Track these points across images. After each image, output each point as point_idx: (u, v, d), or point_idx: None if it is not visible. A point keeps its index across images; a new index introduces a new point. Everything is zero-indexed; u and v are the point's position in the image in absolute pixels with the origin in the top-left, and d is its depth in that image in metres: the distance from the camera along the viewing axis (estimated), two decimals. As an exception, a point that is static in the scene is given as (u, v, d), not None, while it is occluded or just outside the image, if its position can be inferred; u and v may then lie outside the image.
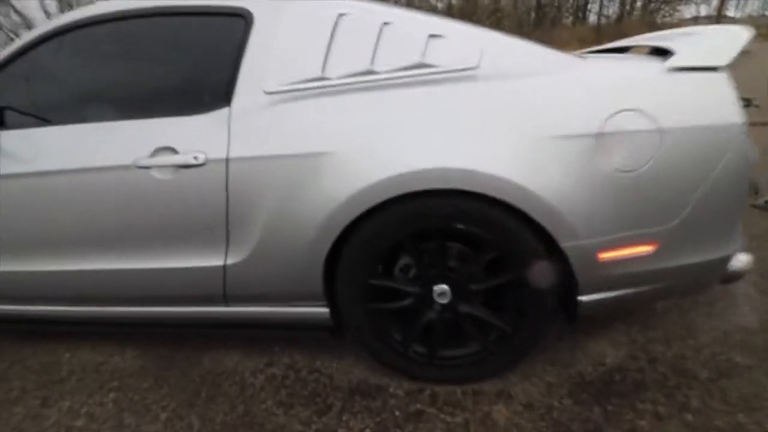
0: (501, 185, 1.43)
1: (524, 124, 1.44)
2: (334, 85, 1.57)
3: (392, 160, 1.48)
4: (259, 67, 1.63)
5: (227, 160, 1.58)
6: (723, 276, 1.66)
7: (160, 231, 1.70)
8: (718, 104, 1.42)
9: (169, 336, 2.09)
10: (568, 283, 1.60)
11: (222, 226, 1.64)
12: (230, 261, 1.69)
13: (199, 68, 1.74)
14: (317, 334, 1.84)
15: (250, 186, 1.58)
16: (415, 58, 1.54)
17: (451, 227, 1.51)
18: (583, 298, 1.58)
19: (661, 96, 1.42)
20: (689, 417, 1.51)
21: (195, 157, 1.60)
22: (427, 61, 1.54)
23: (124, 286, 1.82)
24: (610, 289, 1.57)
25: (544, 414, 1.58)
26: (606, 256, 1.50)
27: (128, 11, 1.79)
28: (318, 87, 1.57)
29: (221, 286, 1.74)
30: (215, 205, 1.62)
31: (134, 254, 1.75)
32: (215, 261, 1.70)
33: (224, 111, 1.63)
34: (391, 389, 1.74)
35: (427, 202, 1.49)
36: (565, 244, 1.47)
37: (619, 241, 1.48)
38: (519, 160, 1.43)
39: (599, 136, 1.41)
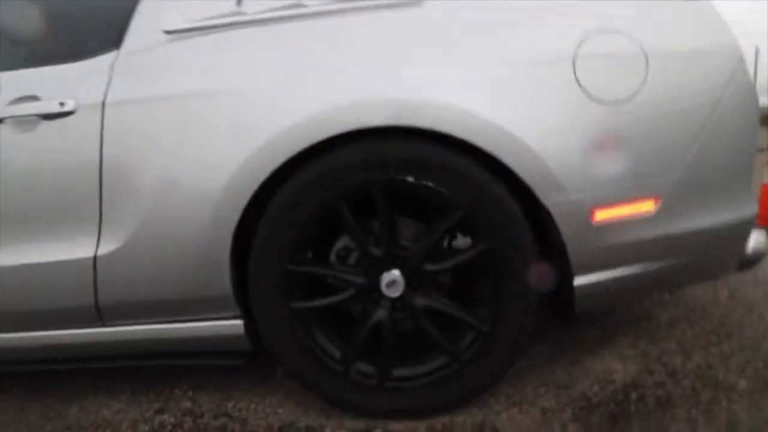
0: (461, 119, 1.09)
1: (484, 48, 1.14)
2: (251, 21, 1.26)
3: (319, 95, 1.13)
4: (158, 6, 1.31)
5: (103, 105, 1.19)
6: (741, 257, 1.33)
7: (12, 210, 1.24)
8: (709, 28, 1.18)
9: (31, 380, 1.53)
10: (558, 267, 1.23)
11: (93, 197, 1.20)
12: (103, 250, 1.22)
13: (88, 14, 1.42)
14: (231, 365, 1.36)
15: (132, 140, 1.18)
16: (351, -12, 1.28)
17: (397, 183, 1.13)
18: (579, 281, 1.19)
19: (643, 18, 1.18)
20: (744, 436, 1.09)
21: (61, 103, 1.21)
22: (366, -9, 1.28)
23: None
24: (609, 265, 1.19)
25: (543, 447, 1.11)
26: (602, 216, 1.14)
27: None
28: (231, 23, 1.26)
29: (92, 290, 1.26)
30: (85, 169, 1.20)
31: None
32: (83, 251, 1.24)
33: (110, 55, 1.28)
34: (327, 431, 1.23)
35: (366, 148, 1.13)
36: (550, 200, 1.11)
37: (616, 194, 1.14)
38: (482, 90, 1.11)
39: (575, 60, 1.13)
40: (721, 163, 1.20)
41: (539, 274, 1.18)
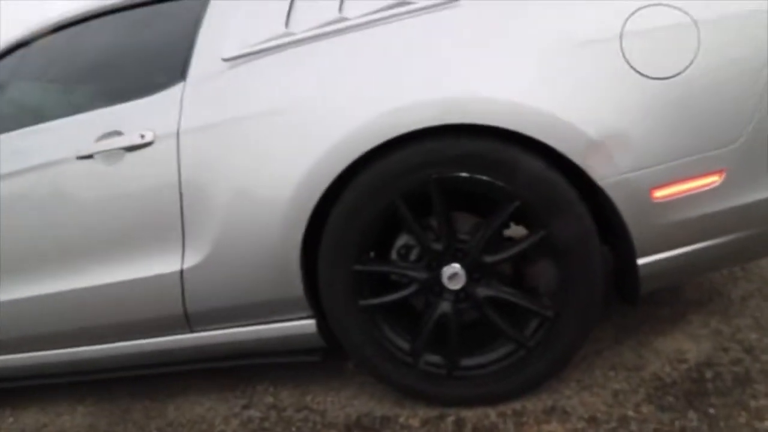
0: (508, 111, 1.11)
1: (525, 37, 1.16)
2: (299, 39, 1.34)
3: (369, 102, 1.18)
4: (215, 37, 1.42)
5: (178, 134, 1.31)
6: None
7: (105, 235, 1.40)
8: None
9: (132, 384, 1.70)
10: (619, 246, 1.23)
11: (176, 216, 1.33)
12: (188, 264, 1.35)
13: (153, 51, 1.55)
14: (307, 361, 1.45)
15: (205, 161, 1.29)
16: (391, -2, 1.33)
17: (453, 179, 1.17)
18: (643, 260, 1.18)
19: None
20: (833, 410, 1.05)
21: (141, 136, 1.34)
22: (405, -1, 1.32)
23: (67, 317, 1.49)
24: (674, 244, 1.17)
25: (617, 428, 1.11)
26: (662, 194, 1.13)
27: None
28: (282, 44, 1.35)
29: (180, 300, 1.39)
30: (167, 192, 1.33)
31: (77, 270, 1.43)
32: (170, 266, 1.37)
33: (179, 86, 1.40)
34: (402, 419, 1.30)
35: (419, 148, 1.17)
36: (606, 180, 1.12)
37: (676, 171, 1.12)
38: (527, 78, 1.13)
39: (622, 37, 1.12)
40: (786, 127, 1.15)
41: (602, 257, 1.19)
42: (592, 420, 1.16)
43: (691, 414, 1.12)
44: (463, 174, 1.17)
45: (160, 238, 1.35)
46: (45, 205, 1.45)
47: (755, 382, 1.18)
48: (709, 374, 1.24)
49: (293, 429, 1.35)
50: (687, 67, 1.11)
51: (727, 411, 1.11)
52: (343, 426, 1.32)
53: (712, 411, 1.12)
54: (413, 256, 1.33)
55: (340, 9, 1.33)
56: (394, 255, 1.36)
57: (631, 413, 1.16)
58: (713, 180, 1.14)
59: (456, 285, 1.25)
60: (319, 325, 1.37)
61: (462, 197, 1.28)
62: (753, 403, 1.12)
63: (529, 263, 1.31)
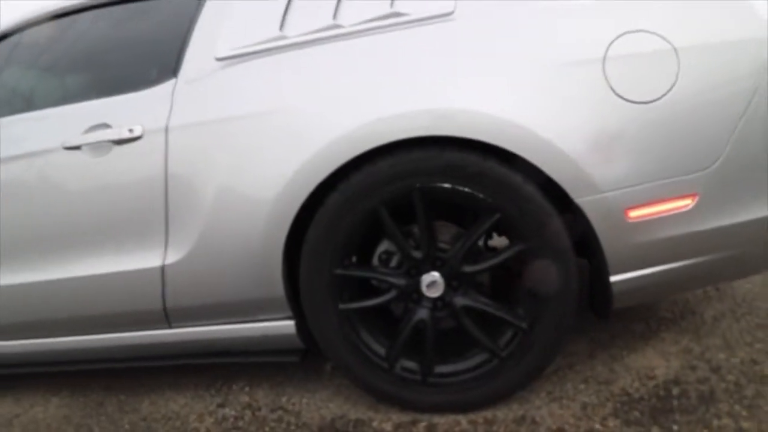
0: (493, 126, 1.14)
1: (513, 55, 1.19)
2: (293, 43, 1.36)
3: (359, 110, 1.21)
4: (209, 36, 1.43)
5: (167, 130, 1.32)
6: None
7: (89, 226, 1.40)
8: (740, 19, 1.17)
9: (107, 378, 1.70)
10: (593, 263, 1.26)
11: (160, 212, 1.34)
12: (170, 259, 1.36)
13: (146, 46, 1.56)
14: (285, 361, 1.46)
15: (192, 158, 1.30)
16: (385, 8, 1.35)
17: (436, 189, 1.20)
18: (616, 278, 1.22)
19: (672, 14, 1.18)
20: (789, 431, 1.08)
21: (130, 130, 1.35)
22: (399, 10, 1.35)
23: (47, 307, 1.49)
24: (647, 264, 1.21)
25: (584, 440, 1.15)
26: (636, 214, 1.17)
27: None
28: (275, 47, 1.37)
29: (160, 296, 1.40)
30: (153, 188, 1.33)
31: (59, 260, 1.44)
32: (152, 261, 1.37)
33: (170, 83, 1.41)
34: (375, 423, 1.31)
35: (405, 157, 1.20)
36: (583, 198, 1.15)
37: (651, 193, 1.16)
38: (515, 96, 1.16)
39: (605, 61, 1.16)
40: (759, 154, 1.18)
41: (577, 272, 1.22)
42: (560, 431, 1.19)
43: (655, 430, 1.15)
44: (446, 185, 1.20)
45: (143, 232, 1.36)
46: (31, 193, 1.45)
47: (719, 401, 1.22)
48: (675, 391, 1.28)
49: (267, 429, 1.36)
50: (666, 93, 1.15)
51: (689, 428, 1.14)
52: (316, 428, 1.33)
53: (675, 428, 1.15)
54: (394, 262, 1.35)
55: (335, 16, 1.36)
56: (375, 261, 1.38)
57: (598, 426, 1.19)
58: (686, 203, 1.18)
59: (434, 293, 1.27)
60: (298, 326, 1.38)
61: (445, 207, 1.31)
62: (715, 422, 1.15)
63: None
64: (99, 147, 1.37)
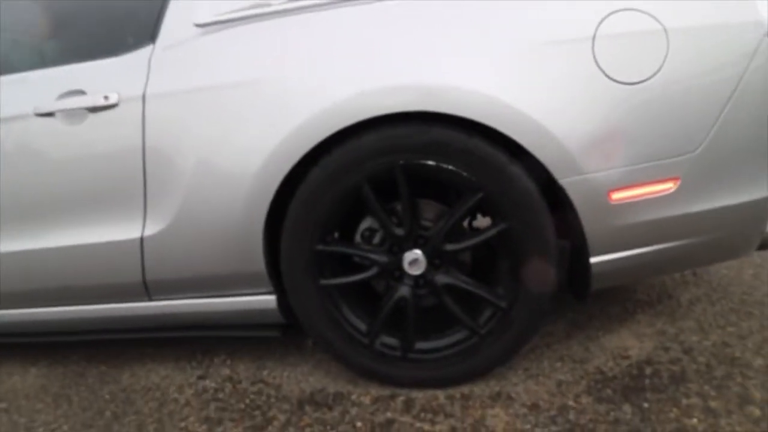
0: (479, 103, 1.13)
1: (502, 32, 1.17)
2: (276, 11, 1.32)
3: (344, 82, 1.18)
4: (189, 1, 1.37)
5: (144, 98, 1.28)
6: (763, 236, 1.33)
7: (66, 196, 1.36)
8: (730, 2, 1.15)
9: (87, 348, 1.70)
10: (573, 244, 1.27)
11: (138, 183, 1.31)
12: (149, 231, 1.33)
13: (123, 11, 1.50)
14: (266, 336, 1.46)
15: (170, 128, 1.27)
16: (373, -22, 1.32)
17: (419, 166, 1.19)
18: (595, 259, 1.23)
19: None
20: (755, 411, 1.12)
21: (105, 97, 1.31)
22: (387, -20, 1.31)
23: (26, 277, 1.46)
24: (627, 246, 1.22)
25: (556, 416, 1.17)
26: (619, 196, 1.17)
27: None
28: (257, 14, 1.32)
29: (140, 268, 1.38)
30: (130, 157, 1.30)
31: (36, 230, 1.40)
32: (131, 233, 1.35)
33: (147, 49, 1.36)
34: (354, 397, 1.33)
35: (389, 133, 1.18)
36: (567, 179, 1.15)
37: (634, 175, 1.16)
38: (502, 74, 1.14)
39: (595, 40, 1.15)
40: (743, 141, 1.19)
41: (557, 252, 1.22)
42: (534, 407, 1.21)
43: (626, 407, 1.18)
44: (430, 162, 1.18)
45: (121, 203, 1.33)
46: (5, 161, 1.41)
47: (689, 381, 1.25)
48: (648, 371, 1.31)
49: (247, 401, 1.37)
50: (653, 75, 1.14)
51: (659, 406, 1.17)
52: (296, 400, 1.35)
53: (645, 405, 1.18)
54: (376, 239, 1.35)
55: (322, -16, 1.32)
56: (357, 237, 1.37)
57: (571, 403, 1.22)
58: (668, 186, 1.19)
59: (416, 270, 1.28)
60: (279, 301, 1.38)
61: (429, 185, 1.30)
62: (684, 401, 1.18)
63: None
64: (73, 114, 1.33)
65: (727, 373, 1.26)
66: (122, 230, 1.35)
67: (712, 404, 1.16)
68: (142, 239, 1.35)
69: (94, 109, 1.32)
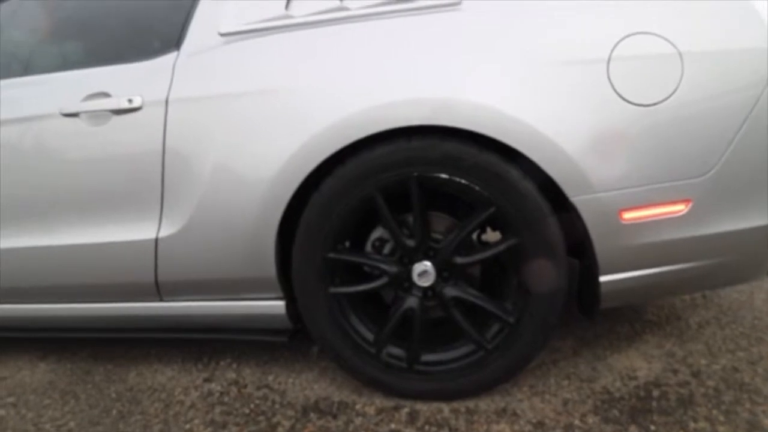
0: (494, 119, 1.14)
1: (518, 50, 1.18)
2: (298, 23, 1.35)
3: (361, 94, 1.21)
4: (214, 11, 1.41)
5: (167, 102, 1.31)
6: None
7: (84, 195, 1.39)
8: (745, 27, 1.16)
9: (95, 346, 1.72)
10: (583, 262, 1.27)
11: (157, 185, 1.33)
12: (164, 233, 1.36)
13: (150, 17, 1.54)
14: (274, 341, 1.47)
15: (191, 132, 1.30)
16: (393, -7, 1.34)
17: (432, 179, 1.20)
18: (606, 278, 1.23)
19: (678, 18, 1.17)
20: (763, 437, 1.11)
21: (129, 100, 1.34)
22: (407, -5, 1.34)
23: (39, 273, 1.49)
24: (637, 266, 1.22)
25: (562, 435, 1.17)
26: (630, 216, 1.18)
27: None
28: (280, 26, 1.35)
29: (153, 268, 1.40)
30: (150, 160, 1.33)
31: (53, 227, 1.43)
32: (146, 233, 1.37)
33: (172, 55, 1.40)
34: (358, 406, 1.33)
35: (404, 145, 1.19)
36: (578, 197, 1.16)
37: (646, 196, 1.17)
38: (517, 91, 1.16)
39: (610, 62, 1.16)
40: (756, 165, 1.19)
41: (567, 270, 1.23)
42: (540, 425, 1.21)
43: (633, 428, 1.17)
44: (443, 175, 1.20)
45: (138, 204, 1.36)
46: (27, 158, 1.44)
47: (697, 405, 1.24)
48: (655, 393, 1.29)
49: (252, 406, 1.37)
50: (668, 97, 1.15)
51: (666, 429, 1.16)
52: (300, 407, 1.35)
53: (652, 428, 1.17)
54: (387, 249, 1.36)
55: (343, -3, 1.35)
56: (368, 247, 1.39)
57: (577, 422, 1.21)
58: (680, 208, 1.19)
59: (425, 282, 1.28)
60: (287, 307, 1.39)
61: (441, 197, 1.32)
62: (692, 425, 1.17)
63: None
64: (97, 116, 1.36)
65: (736, 398, 1.25)
66: (138, 230, 1.37)
67: (720, 429, 1.14)
68: (156, 240, 1.37)
69: (118, 112, 1.35)
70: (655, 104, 1.14)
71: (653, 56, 1.15)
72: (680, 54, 1.14)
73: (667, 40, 1.15)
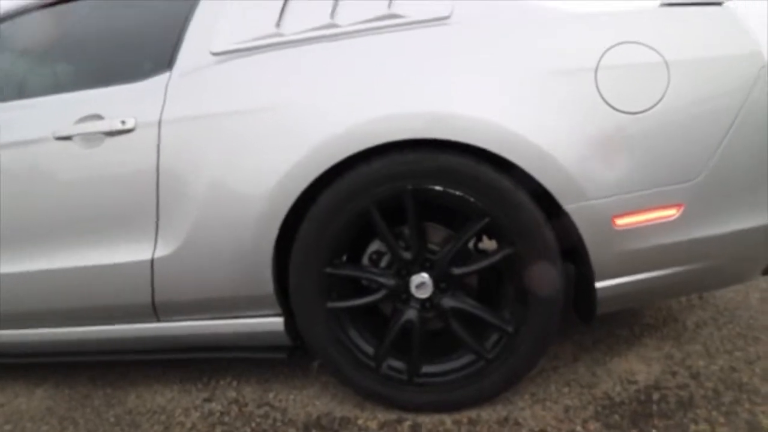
0: (486, 131, 1.15)
1: (508, 62, 1.20)
2: (289, 41, 1.36)
3: (354, 110, 1.22)
4: (205, 30, 1.43)
5: (160, 123, 1.32)
6: (766, 261, 1.34)
7: (79, 217, 1.39)
8: (731, 35, 1.19)
9: (93, 370, 1.70)
10: (579, 269, 1.28)
11: (151, 205, 1.33)
12: (160, 253, 1.36)
13: (141, 38, 1.55)
14: (273, 358, 1.46)
15: (185, 152, 1.30)
16: (383, 9, 1.36)
17: (427, 191, 1.21)
18: (601, 284, 1.24)
19: (664, 27, 1.20)
20: (763, 438, 1.11)
21: (122, 122, 1.35)
22: (396, 11, 1.35)
23: (35, 297, 1.48)
24: (632, 271, 1.23)
25: (565, 442, 1.17)
26: (623, 222, 1.19)
27: None
28: (271, 44, 1.37)
29: (149, 289, 1.40)
30: (144, 181, 1.33)
31: (48, 251, 1.43)
32: (142, 254, 1.37)
33: (164, 76, 1.41)
34: (361, 421, 1.32)
35: (398, 159, 1.21)
36: (572, 205, 1.17)
37: (637, 202, 1.18)
38: (508, 102, 1.18)
39: (597, 71, 1.18)
40: (744, 168, 1.21)
41: (563, 277, 1.24)
42: (542, 433, 1.21)
43: (635, 433, 1.18)
44: (438, 187, 1.21)
45: (133, 225, 1.36)
46: (20, 182, 1.44)
47: (697, 407, 1.25)
48: (655, 396, 1.30)
49: (253, 425, 1.36)
50: (656, 104, 1.17)
51: (667, 432, 1.17)
52: (302, 424, 1.34)
53: None
54: (384, 263, 1.37)
55: (332, 15, 1.36)
56: (365, 260, 1.39)
57: (578, 428, 1.21)
58: (672, 213, 1.20)
59: (423, 294, 1.29)
60: (286, 323, 1.39)
61: (436, 209, 1.33)
62: (693, 427, 1.18)
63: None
64: (90, 138, 1.37)
65: (735, 398, 1.26)
66: (133, 251, 1.37)
67: (720, 431, 1.15)
68: (152, 261, 1.37)
69: (111, 133, 1.36)
70: (643, 111, 1.17)
71: (640, 65, 1.17)
72: (666, 62, 1.17)
73: (653, 48, 1.18)
